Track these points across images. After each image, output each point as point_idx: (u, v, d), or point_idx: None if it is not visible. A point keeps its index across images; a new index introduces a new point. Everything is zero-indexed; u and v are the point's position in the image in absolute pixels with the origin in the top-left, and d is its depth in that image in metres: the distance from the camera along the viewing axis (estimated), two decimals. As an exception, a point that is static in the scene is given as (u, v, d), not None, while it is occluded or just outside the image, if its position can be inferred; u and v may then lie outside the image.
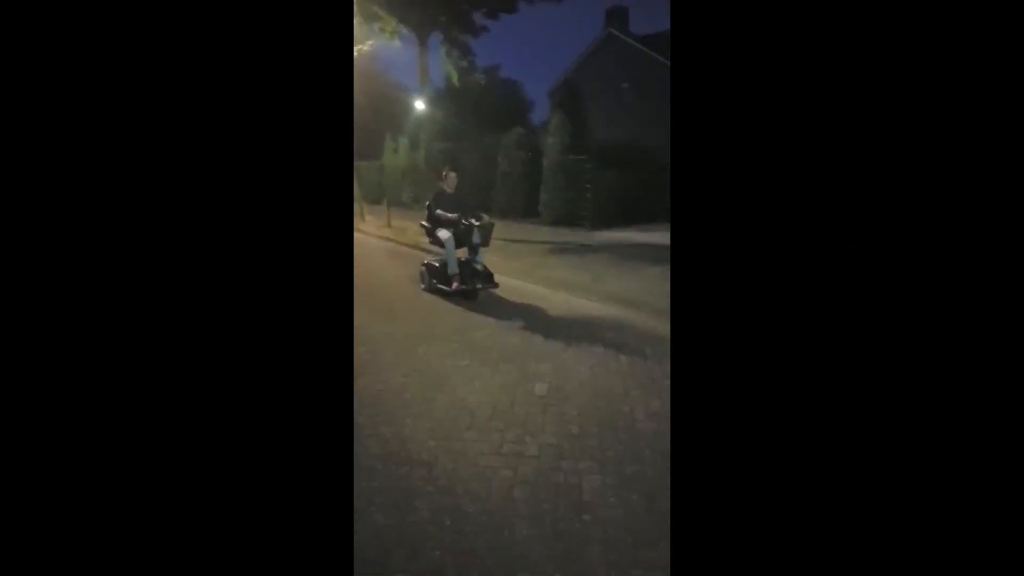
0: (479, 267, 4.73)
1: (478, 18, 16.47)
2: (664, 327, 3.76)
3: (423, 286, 5.09)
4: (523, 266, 6.12)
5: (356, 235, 9.19)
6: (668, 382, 2.80)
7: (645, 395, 2.64)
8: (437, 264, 4.93)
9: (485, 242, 4.84)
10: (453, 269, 4.66)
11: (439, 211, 4.79)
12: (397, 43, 13.33)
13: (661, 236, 8.51)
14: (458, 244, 4.75)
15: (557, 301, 4.69)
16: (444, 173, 5.07)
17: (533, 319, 4.05)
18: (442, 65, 15.55)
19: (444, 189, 4.94)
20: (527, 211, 10.99)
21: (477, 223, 4.69)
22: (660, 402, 2.55)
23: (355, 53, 9.36)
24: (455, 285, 4.59)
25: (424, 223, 5.07)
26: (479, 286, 4.64)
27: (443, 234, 4.75)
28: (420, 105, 13.93)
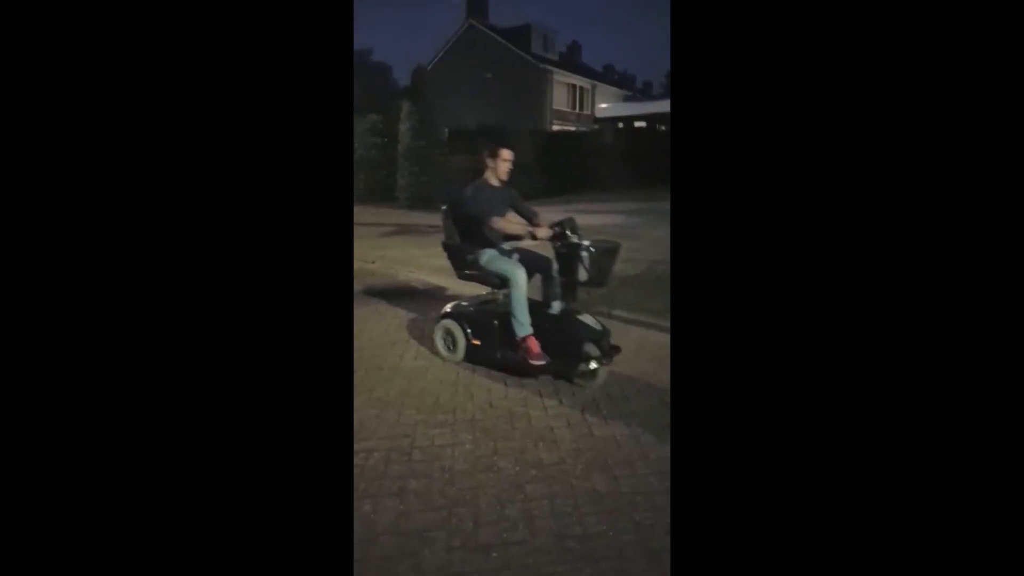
0: (589, 322, 2.47)
1: None
2: (471, 289, 4.34)
3: (446, 350, 2.87)
4: (361, 249, 6.39)
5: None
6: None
7: (418, 344, 3.15)
8: (479, 312, 2.77)
9: (601, 279, 2.42)
10: (525, 327, 2.47)
11: (495, 217, 2.58)
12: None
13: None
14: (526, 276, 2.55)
15: (387, 274, 5.09)
16: (492, 151, 2.72)
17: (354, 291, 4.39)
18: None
19: (487, 180, 2.73)
20: (385, 195, 11.18)
21: (587, 243, 2.38)
22: (429, 345, 3.08)
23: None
24: (539, 360, 2.42)
25: (448, 243, 2.90)
26: (594, 364, 2.37)
27: (499, 263, 2.61)
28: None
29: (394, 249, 6.50)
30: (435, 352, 2.92)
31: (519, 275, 2.51)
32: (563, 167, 13.06)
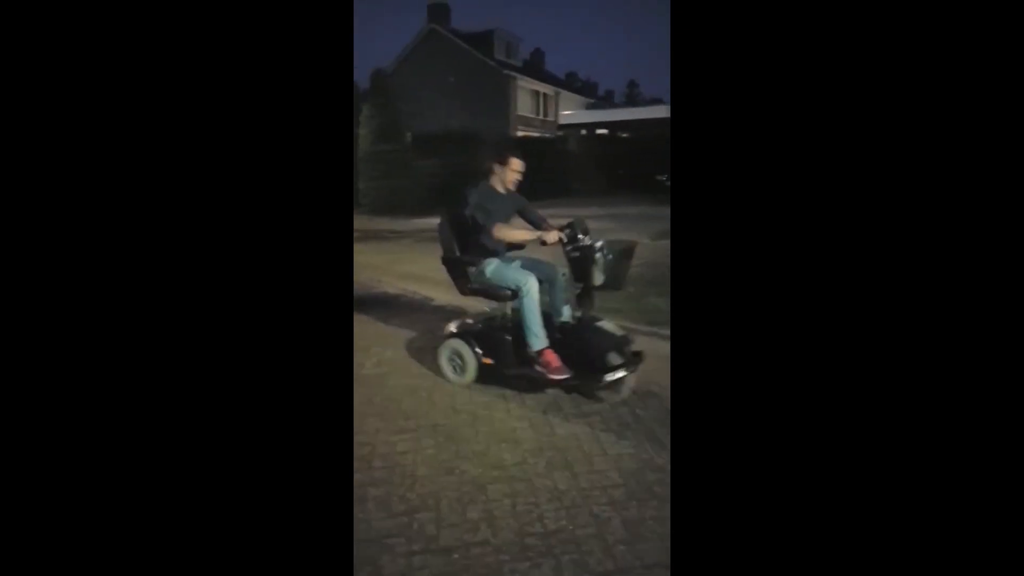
0: (609, 328, 2.37)
1: None
2: (436, 295, 4.32)
3: (454, 373, 2.62)
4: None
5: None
6: (407, 334, 3.33)
7: (382, 349, 3.12)
8: (488, 328, 2.56)
9: (617, 282, 2.32)
10: (542, 340, 2.31)
11: (498, 224, 2.44)
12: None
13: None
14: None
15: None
16: (501, 158, 2.56)
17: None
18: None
19: (492, 185, 2.55)
20: (348, 202, 11.06)
21: (601, 244, 2.26)
22: (392, 352, 3.06)
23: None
24: (560, 374, 2.26)
25: (448, 256, 2.66)
26: (621, 372, 2.22)
27: (506, 273, 2.45)
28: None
29: (357, 256, 6.41)
30: (439, 374, 2.68)
31: (531, 284, 2.33)
32: (533, 172, 13.17)
